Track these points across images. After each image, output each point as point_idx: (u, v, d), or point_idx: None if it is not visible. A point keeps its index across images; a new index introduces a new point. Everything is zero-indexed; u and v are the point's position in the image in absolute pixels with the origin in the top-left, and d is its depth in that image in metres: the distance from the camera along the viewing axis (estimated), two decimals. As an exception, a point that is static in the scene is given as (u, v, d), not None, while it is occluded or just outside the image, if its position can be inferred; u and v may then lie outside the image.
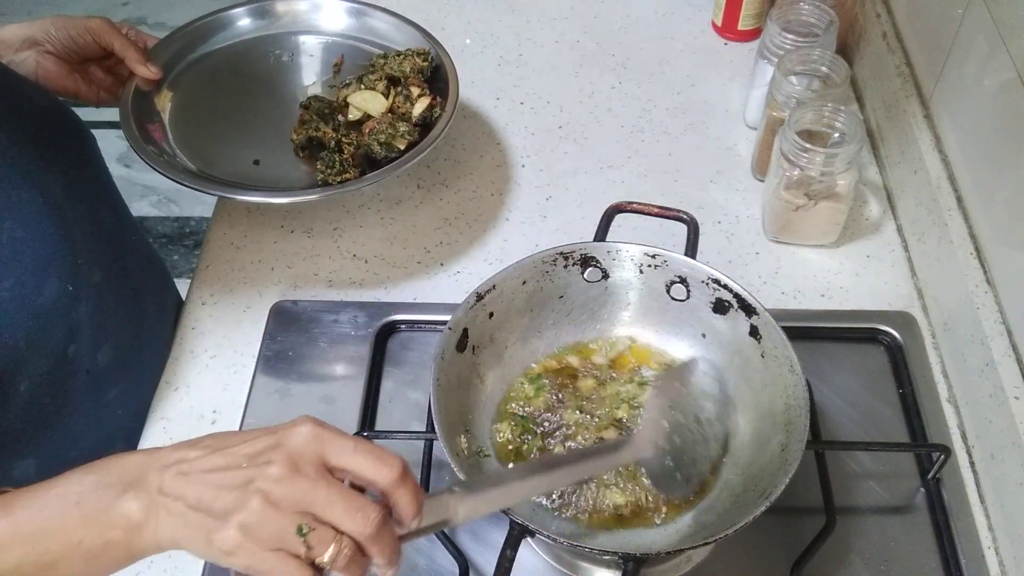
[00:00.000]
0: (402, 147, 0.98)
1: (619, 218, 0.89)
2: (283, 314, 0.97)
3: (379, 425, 0.89)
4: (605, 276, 0.86)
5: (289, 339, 0.94)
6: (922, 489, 0.84)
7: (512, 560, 0.66)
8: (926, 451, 0.85)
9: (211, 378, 0.93)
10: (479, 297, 0.80)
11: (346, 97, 1.04)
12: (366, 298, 0.99)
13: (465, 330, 0.80)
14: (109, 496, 0.55)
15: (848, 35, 1.20)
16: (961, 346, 0.88)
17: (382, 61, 1.07)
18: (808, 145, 0.93)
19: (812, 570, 0.76)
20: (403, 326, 0.96)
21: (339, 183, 0.95)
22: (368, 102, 1.03)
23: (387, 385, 0.92)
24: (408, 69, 1.05)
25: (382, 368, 0.93)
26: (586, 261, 0.85)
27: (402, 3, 1.34)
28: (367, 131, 0.99)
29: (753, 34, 1.26)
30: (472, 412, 0.80)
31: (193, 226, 2.38)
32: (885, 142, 1.09)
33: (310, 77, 1.10)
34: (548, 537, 0.68)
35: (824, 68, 1.01)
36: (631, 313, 0.87)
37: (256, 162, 1.00)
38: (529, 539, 0.80)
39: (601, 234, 0.88)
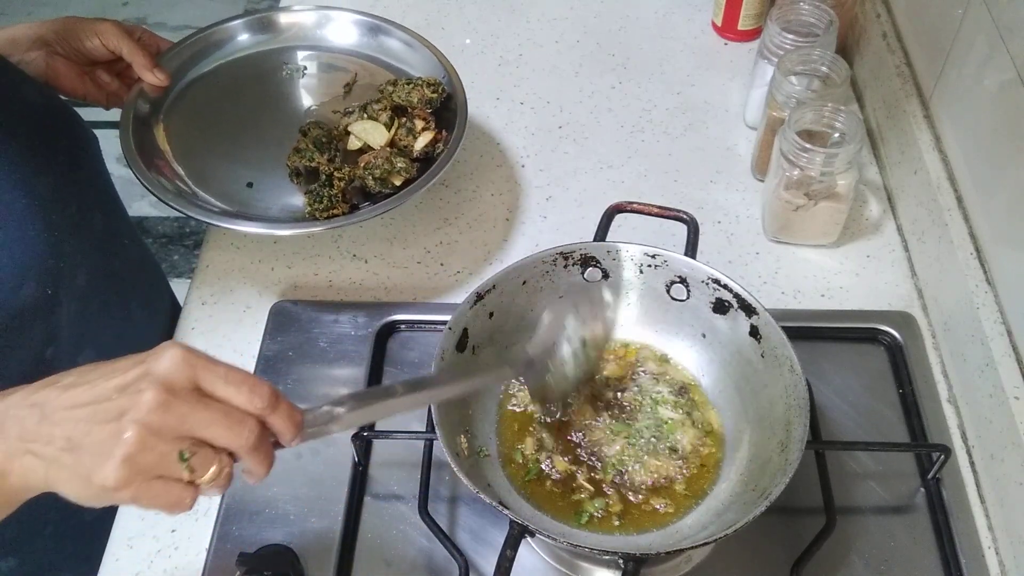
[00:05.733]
0: (398, 183, 0.94)
1: (619, 218, 0.89)
2: (283, 314, 0.97)
3: (379, 425, 0.89)
4: (605, 276, 0.86)
5: (289, 339, 0.94)
6: (922, 489, 0.84)
7: (512, 560, 0.66)
8: (926, 451, 0.85)
9: (211, 378, 0.93)
10: (479, 297, 0.80)
11: (347, 126, 1.01)
12: (366, 298, 0.99)
13: (465, 330, 0.80)
14: None
15: (848, 35, 1.20)
16: (961, 346, 0.88)
17: (391, 88, 1.03)
18: (808, 145, 0.93)
19: (812, 570, 0.76)
20: (403, 326, 0.96)
21: (325, 218, 0.92)
22: (369, 133, 0.99)
23: (387, 385, 0.92)
24: (416, 100, 1.01)
25: (382, 368, 0.93)
26: (586, 261, 0.85)
27: (402, 3, 1.34)
28: (363, 164, 0.96)
29: (753, 34, 1.26)
30: (472, 412, 0.80)
31: (193, 226, 2.38)
32: (885, 142, 1.09)
33: (318, 96, 1.08)
34: (548, 537, 0.68)
35: (824, 68, 1.01)
36: (631, 313, 0.87)
37: (250, 184, 0.98)
38: (529, 539, 0.80)
39: (601, 234, 0.88)
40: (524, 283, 0.83)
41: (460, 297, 0.81)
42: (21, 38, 0.92)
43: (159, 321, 1.00)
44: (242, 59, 1.10)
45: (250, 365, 0.93)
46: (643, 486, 0.77)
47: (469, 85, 1.23)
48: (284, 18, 1.12)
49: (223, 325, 0.97)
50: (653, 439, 0.80)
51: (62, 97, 0.92)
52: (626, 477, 0.78)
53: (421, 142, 0.98)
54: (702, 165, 1.12)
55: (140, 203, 2.33)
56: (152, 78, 0.99)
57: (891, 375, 0.92)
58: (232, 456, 0.56)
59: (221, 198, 0.96)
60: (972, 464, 0.85)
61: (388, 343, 0.95)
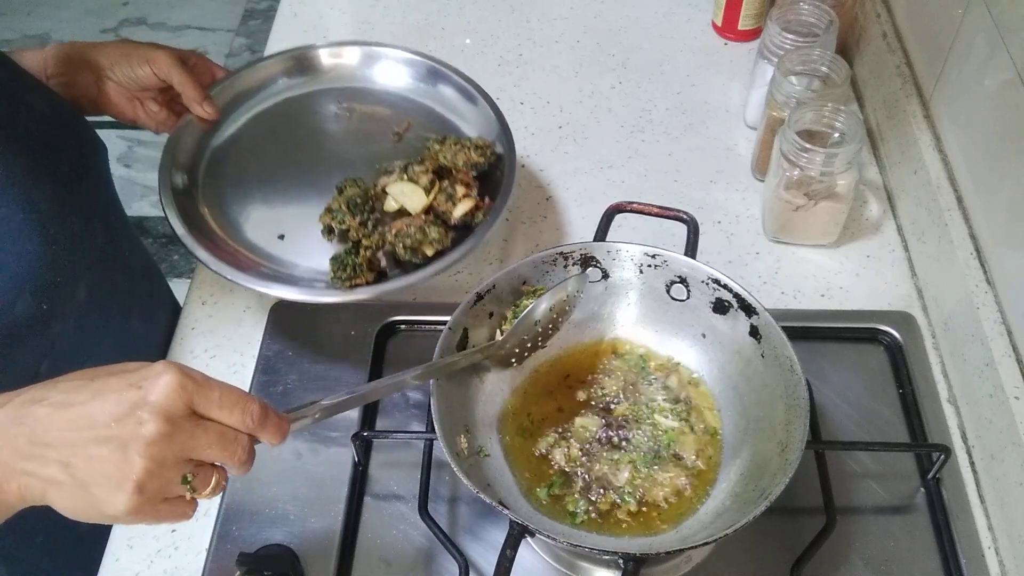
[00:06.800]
0: (429, 254, 0.88)
1: (619, 218, 0.89)
2: (283, 314, 0.96)
3: (379, 425, 0.89)
4: (605, 276, 0.86)
5: (289, 339, 0.94)
6: (922, 489, 0.84)
7: (512, 560, 0.66)
8: (926, 451, 0.85)
9: (211, 378, 0.93)
10: (479, 297, 0.80)
11: (385, 186, 0.94)
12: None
13: (465, 330, 0.80)
14: None
15: (848, 35, 1.20)
16: (961, 346, 0.88)
17: (436, 147, 0.95)
18: (808, 145, 0.93)
19: (812, 570, 0.76)
20: (403, 326, 0.96)
21: (348, 287, 0.87)
22: (407, 196, 0.92)
23: (387, 385, 0.92)
24: (461, 162, 0.94)
25: (382, 368, 0.93)
26: (586, 261, 0.85)
27: (403, 3, 1.34)
28: (395, 231, 0.89)
29: (753, 34, 1.26)
30: (472, 412, 0.80)
31: (193, 226, 2.37)
32: (885, 142, 1.09)
33: (365, 143, 1.01)
34: (548, 537, 0.68)
35: (824, 68, 1.01)
36: (631, 313, 0.87)
37: (281, 237, 0.93)
38: (529, 539, 0.80)
39: (601, 234, 0.88)
40: (524, 283, 0.83)
41: (460, 297, 0.81)
42: (75, 58, 0.91)
43: (159, 330, 0.99)
44: (290, 100, 1.05)
45: (250, 365, 0.93)
46: (662, 499, 0.77)
47: (469, 85, 1.23)
48: (332, 58, 1.06)
49: (223, 325, 0.97)
50: (656, 451, 0.80)
51: (70, 105, 0.90)
52: (645, 497, 0.77)
53: (460, 210, 0.91)
54: (702, 165, 1.12)
55: (140, 203, 2.33)
56: (201, 111, 0.97)
57: (891, 375, 0.92)
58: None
59: (249, 248, 0.92)
60: (972, 464, 0.85)
61: (388, 343, 0.95)
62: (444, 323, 0.78)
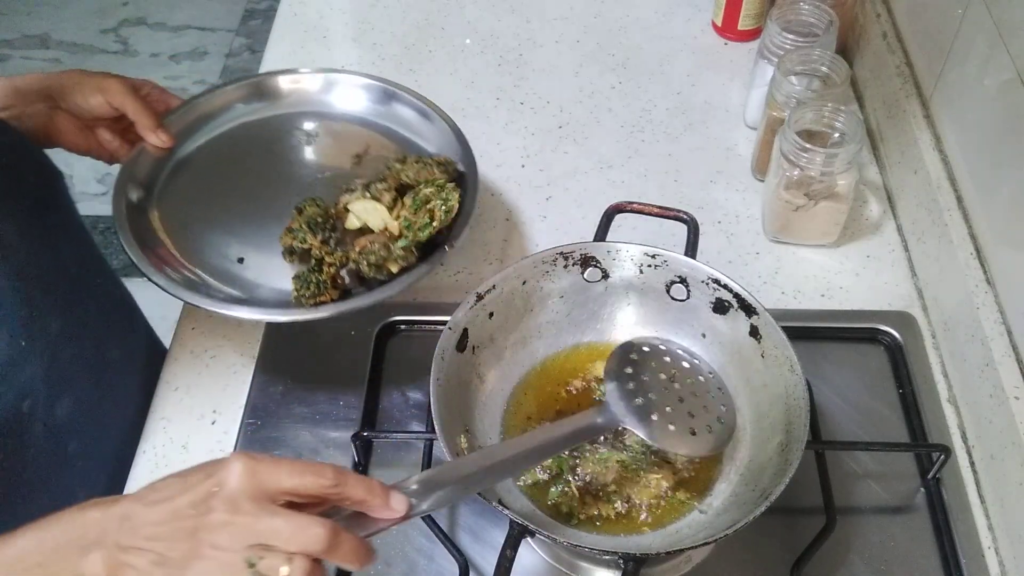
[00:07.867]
0: (395, 271, 0.87)
1: (619, 218, 0.89)
2: (283, 314, 0.96)
3: (379, 425, 0.89)
4: (605, 276, 0.86)
5: (289, 339, 0.94)
6: (922, 489, 0.84)
7: (512, 560, 0.66)
8: (926, 451, 0.85)
9: (211, 378, 0.93)
10: (479, 297, 0.80)
11: (347, 204, 0.93)
12: (366, 298, 0.99)
13: (465, 330, 0.80)
14: (72, 556, 0.56)
15: (848, 35, 1.20)
16: (961, 346, 0.88)
17: (398, 166, 0.94)
18: (808, 145, 0.93)
19: (812, 570, 0.76)
20: (403, 326, 0.96)
21: (311, 305, 0.85)
22: (369, 213, 0.91)
23: (387, 385, 0.92)
24: (423, 180, 0.93)
25: (382, 368, 0.93)
26: (586, 261, 0.85)
27: (402, 3, 1.34)
28: (359, 249, 0.88)
29: (753, 34, 1.26)
30: (472, 412, 0.80)
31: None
32: (885, 142, 1.09)
33: (326, 166, 1.00)
34: (548, 537, 0.68)
35: (824, 68, 1.01)
36: (631, 313, 0.87)
37: (240, 260, 0.91)
38: (529, 539, 0.80)
39: (601, 234, 0.88)
40: (524, 283, 0.83)
41: (460, 297, 0.81)
42: (25, 90, 0.90)
43: (136, 363, 0.98)
44: (248, 124, 1.04)
45: (250, 365, 0.93)
46: (647, 502, 0.77)
47: (469, 85, 1.23)
48: (292, 83, 1.06)
49: (223, 326, 0.97)
50: (648, 453, 0.79)
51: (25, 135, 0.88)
52: (633, 499, 0.77)
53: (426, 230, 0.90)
54: (702, 165, 1.12)
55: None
56: (155, 139, 0.95)
57: (891, 375, 0.92)
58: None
59: (208, 272, 0.90)
60: (972, 464, 0.85)
61: (388, 343, 0.95)
62: (444, 323, 0.78)
